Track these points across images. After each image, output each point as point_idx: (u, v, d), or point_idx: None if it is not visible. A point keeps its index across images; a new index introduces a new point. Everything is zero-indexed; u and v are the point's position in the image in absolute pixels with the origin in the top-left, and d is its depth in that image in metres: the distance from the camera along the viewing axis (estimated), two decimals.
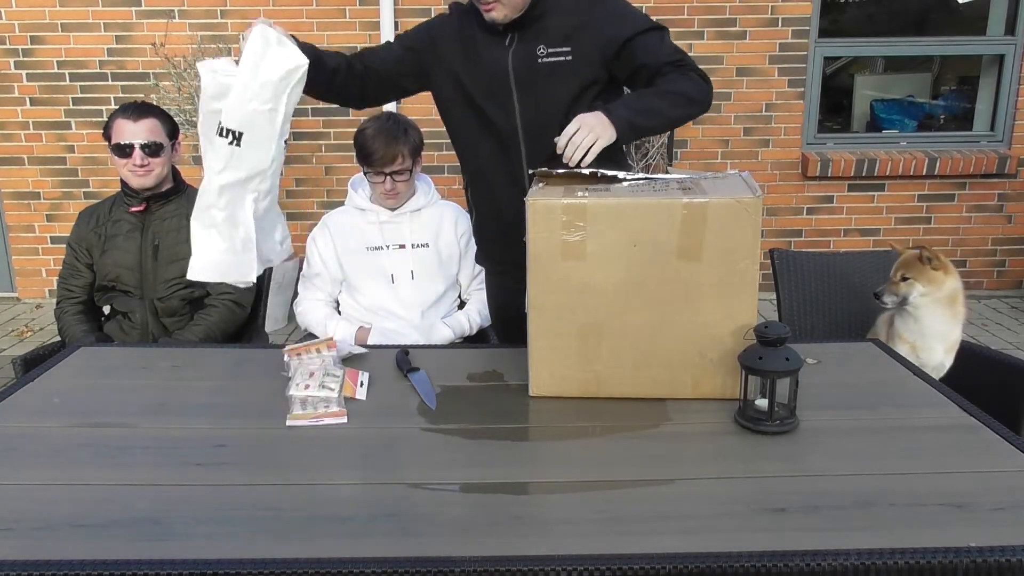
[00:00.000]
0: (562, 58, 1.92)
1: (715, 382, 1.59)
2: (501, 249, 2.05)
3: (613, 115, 1.77)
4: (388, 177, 2.25)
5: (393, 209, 2.33)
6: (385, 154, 2.21)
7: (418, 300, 2.32)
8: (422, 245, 2.34)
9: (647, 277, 1.54)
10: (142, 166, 2.28)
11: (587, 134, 1.73)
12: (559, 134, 1.77)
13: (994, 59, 4.74)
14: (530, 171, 1.83)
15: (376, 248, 2.33)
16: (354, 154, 2.29)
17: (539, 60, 1.93)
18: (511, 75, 1.94)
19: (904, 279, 2.15)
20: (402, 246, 2.33)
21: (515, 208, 1.67)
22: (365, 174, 2.30)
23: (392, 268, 2.32)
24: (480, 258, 2.25)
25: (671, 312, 1.55)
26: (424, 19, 2.10)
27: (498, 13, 1.86)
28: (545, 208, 1.53)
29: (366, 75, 1.98)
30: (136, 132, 2.26)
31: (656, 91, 1.88)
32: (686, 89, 1.88)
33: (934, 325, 2.15)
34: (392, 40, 2.10)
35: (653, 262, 1.53)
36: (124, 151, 2.26)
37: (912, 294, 2.14)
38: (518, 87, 1.95)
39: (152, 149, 2.28)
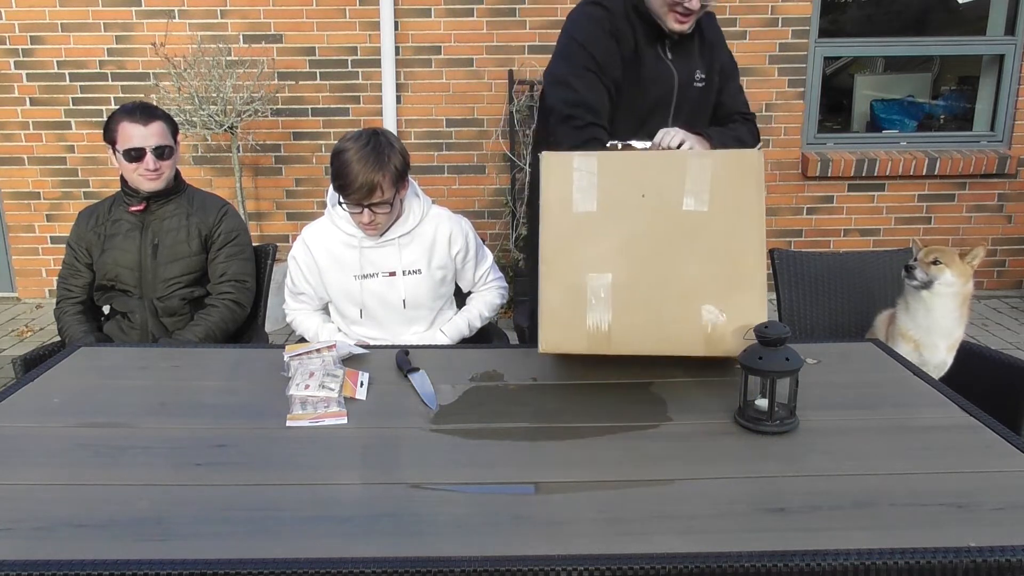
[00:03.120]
0: (703, 84, 2.02)
1: (726, 340, 1.56)
2: None
3: (711, 139, 1.88)
4: (367, 209, 2.03)
5: (381, 234, 2.15)
6: (363, 185, 1.98)
7: (412, 327, 2.23)
8: (414, 271, 2.16)
9: (656, 228, 1.55)
10: (155, 170, 2.27)
11: (678, 134, 1.81)
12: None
13: (994, 59, 4.74)
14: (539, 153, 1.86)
15: (363, 276, 2.16)
16: None
17: (695, 84, 2.01)
18: (675, 92, 2.00)
19: (935, 263, 2.13)
20: (392, 273, 2.15)
21: None
22: (340, 204, 2.09)
23: (382, 297, 2.17)
24: None
25: (680, 264, 1.56)
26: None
27: (688, 26, 1.93)
28: (558, 160, 1.57)
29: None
30: (146, 136, 2.25)
31: (733, 134, 2.00)
32: (748, 141, 2.03)
33: (944, 321, 2.16)
34: (591, 87, 2.02)
35: (662, 213, 1.55)
36: (135, 156, 2.25)
37: (939, 279, 2.12)
38: (676, 105, 2.01)
39: (162, 152, 2.28)
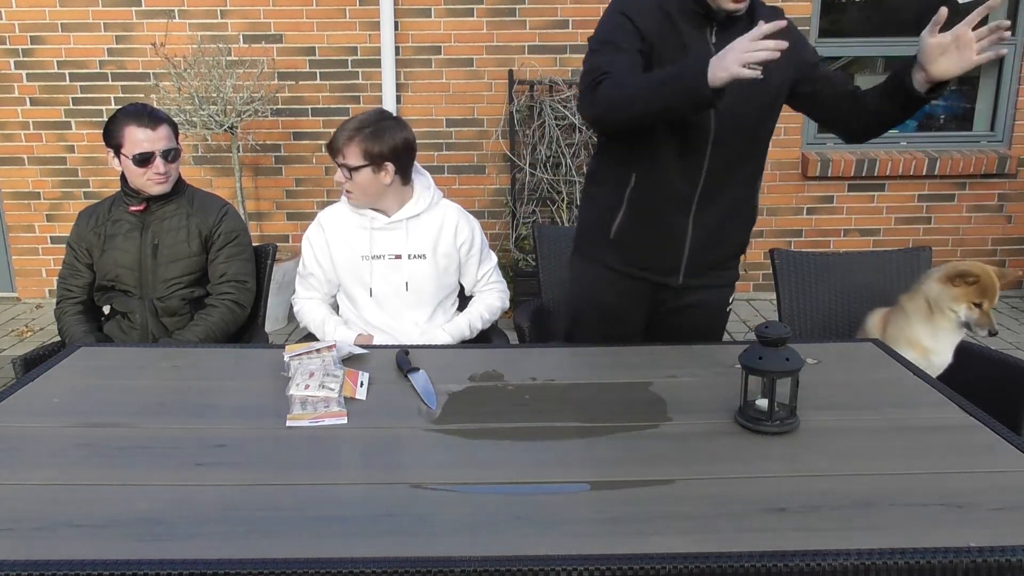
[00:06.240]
0: (759, 68, 1.85)
1: None
2: (649, 253, 1.98)
3: None
4: (340, 169, 2.20)
5: (389, 215, 2.25)
6: (335, 140, 2.17)
7: (414, 313, 2.28)
8: (419, 256, 2.25)
9: None
10: (164, 173, 2.27)
11: None
12: (744, 150, 1.87)
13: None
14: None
15: (371, 257, 2.25)
16: None
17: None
18: None
19: (979, 305, 2.10)
20: (398, 256, 2.25)
21: (682, 210, 1.89)
22: None
23: (387, 279, 2.25)
24: (611, 259, 2.02)
25: None
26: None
27: (743, 6, 1.79)
28: None
29: None
30: (155, 140, 2.25)
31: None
32: None
33: (962, 334, 2.17)
34: (622, 55, 1.84)
35: None
36: (145, 160, 2.25)
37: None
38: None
39: (169, 155, 2.28)
